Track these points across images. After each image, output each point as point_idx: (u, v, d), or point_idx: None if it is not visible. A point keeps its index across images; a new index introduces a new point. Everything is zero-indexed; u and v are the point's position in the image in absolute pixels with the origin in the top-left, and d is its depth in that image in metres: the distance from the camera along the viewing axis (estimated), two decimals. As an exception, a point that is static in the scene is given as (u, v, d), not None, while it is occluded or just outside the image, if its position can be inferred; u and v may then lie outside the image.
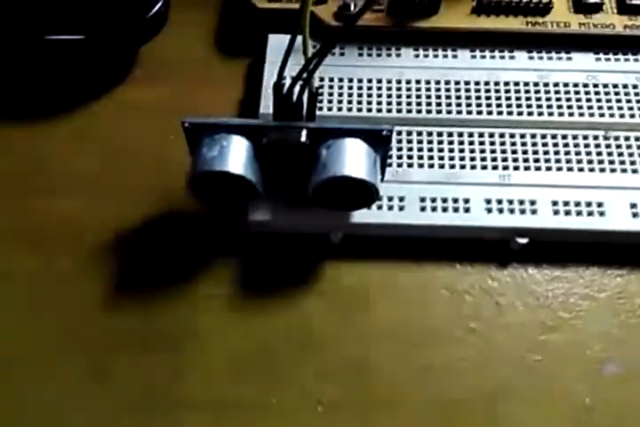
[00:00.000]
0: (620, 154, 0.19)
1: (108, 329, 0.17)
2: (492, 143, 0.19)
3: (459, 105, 0.20)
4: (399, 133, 0.19)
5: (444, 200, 0.18)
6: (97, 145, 0.20)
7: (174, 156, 0.19)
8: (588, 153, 0.19)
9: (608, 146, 0.19)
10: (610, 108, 0.20)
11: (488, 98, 0.20)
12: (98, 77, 0.22)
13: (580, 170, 0.19)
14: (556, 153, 0.19)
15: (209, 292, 0.18)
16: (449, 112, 0.20)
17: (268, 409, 0.16)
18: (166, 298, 0.18)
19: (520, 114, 0.20)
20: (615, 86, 0.20)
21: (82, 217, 0.19)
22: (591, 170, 0.19)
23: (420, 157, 0.19)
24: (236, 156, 0.16)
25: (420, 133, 0.19)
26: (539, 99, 0.20)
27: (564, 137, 0.19)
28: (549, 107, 0.20)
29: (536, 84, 0.20)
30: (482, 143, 0.19)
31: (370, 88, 0.20)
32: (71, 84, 0.21)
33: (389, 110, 0.20)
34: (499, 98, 0.20)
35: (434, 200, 0.18)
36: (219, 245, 0.18)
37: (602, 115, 0.20)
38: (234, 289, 0.18)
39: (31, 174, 0.20)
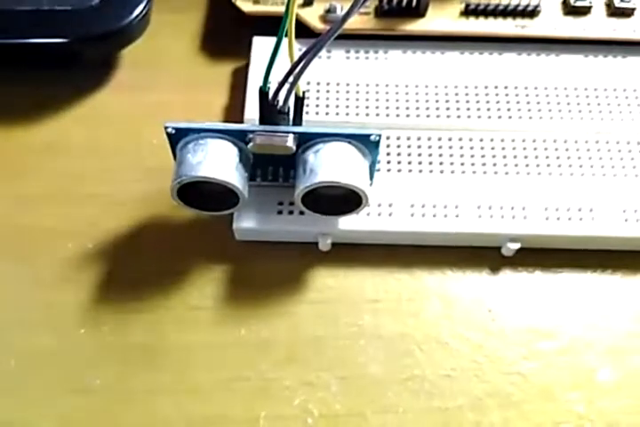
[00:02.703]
0: (611, 158, 0.19)
1: (89, 342, 0.17)
2: (483, 148, 0.19)
3: (448, 109, 0.20)
4: (388, 138, 0.19)
5: (434, 206, 0.18)
6: (78, 150, 0.20)
7: (158, 161, 0.18)
8: (579, 157, 0.19)
9: (598, 150, 0.19)
10: (600, 111, 0.20)
11: (477, 101, 0.20)
12: (79, 81, 0.21)
13: (571, 174, 0.18)
14: (547, 157, 0.19)
15: (194, 303, 0.17)
16: (438, 116, 0.20)
17: (256, 423, 0.16)
18: (150, 310, 0.17)
19: (510, 117, 0.20)
20: (605, 89, 0.20)
21: (63, 224, 0.18)
22: (582, 174, 0.18)
23: (409, 163, 0.19)
24: (221, 161, 0.16)
25: (408, 138, 0.19)
26: (528, 102, 0.20)
27: (555, 141, 0.19)
28: (539, 110, 0.20)
29: (525, 88, 0.20)
30: (472, 148, 0.19)
31: (358, 92, 0.20)
32: (53, 88, 0.21)
33: (378, 114, 0.20)
34: (488, 101, 0.20)
35: (423, 206, 0.18)
36: (204, 253, 0.18)
37: (592, 118, 0.20)
38: (219, 300, 0.17)
39: (12, 181, 0.19)
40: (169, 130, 0.16)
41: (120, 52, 0.22)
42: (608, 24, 0.21)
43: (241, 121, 0.19)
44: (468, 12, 0.21)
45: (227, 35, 0.23)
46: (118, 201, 0.19)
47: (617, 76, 0.21)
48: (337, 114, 0.20)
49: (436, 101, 0.20)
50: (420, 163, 0.19)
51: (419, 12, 0.21)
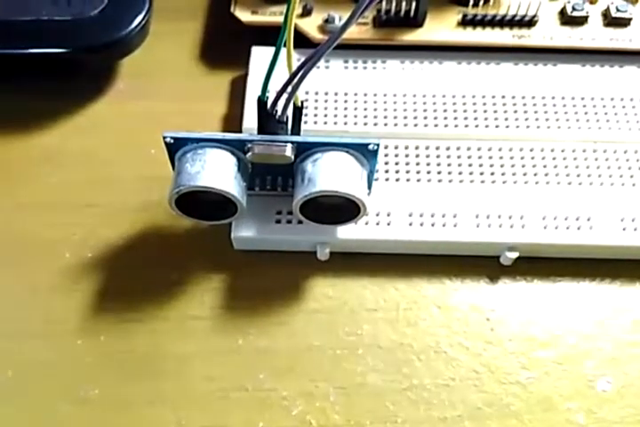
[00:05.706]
0: (609, 167, 0.19)
1: (86, 352, 0.17)
2: (480, 157, 0.19)
3: (445, 118, 0.20)
4: (386, 147, 0.19)
5: (432, 215, 0.18)
6: (77, 159, 0.20)
7: (156, 171, 0.18)
8: (577, 166, 0.19)
9: (596, 159, 0.19)
10: (597, 120, 0.20)
11: (475, 111, 0.20)
12: (79, 90, 0.21)
13: (569, 183, 0.18)
14: (544, 166, 0.19)
15: (192, 313, 0.17)
16: (436, 125, 0.20)
17: (254, 433, 0.16)
18: (148, 319, 0.17)
19: (507, 127, 0.20)
20: (602, 99, 0.20)
21: (61, 234, 0.18)
22: (580, 183, 0.18)
23: (407, 172, 0.19)
24: (219, 171, 0.16)
25: (407, 147, 0.19)
26: (526, 111, 0.20)
27: (552, 150, 0.19)
28: (537, 120, 0.20)
29: (523, 97, 0.20)
30: (470, 157, 0.19)
31: (356, 101, 0.20)
32: (52, 98, 0.21)
33: (376, 124, 0.20)
34: (485, 111, 0.20)
35: (422, 215, 0.18)
36: (202, 263, 0.18)
37: (589, 127, 0.20)
38: (217, 310, 0.17)
39: (11, 190, 0.19)
40: (167, 139, 0.16)
41: (119, 61, 0.22)
42: (605, 34, 0.21)
43: (239, 130, 0.19)
44: (466, 22, 0.21)
45: (225, 44, 0.23)
46: (117, 210, 0.19)
47: (614, 86, 0.21)
48: (335, 123, 0.20)
49: (434, 111, 0.20)
50: (418, 172, 0.19)
51: (417, 22, 0.21)
